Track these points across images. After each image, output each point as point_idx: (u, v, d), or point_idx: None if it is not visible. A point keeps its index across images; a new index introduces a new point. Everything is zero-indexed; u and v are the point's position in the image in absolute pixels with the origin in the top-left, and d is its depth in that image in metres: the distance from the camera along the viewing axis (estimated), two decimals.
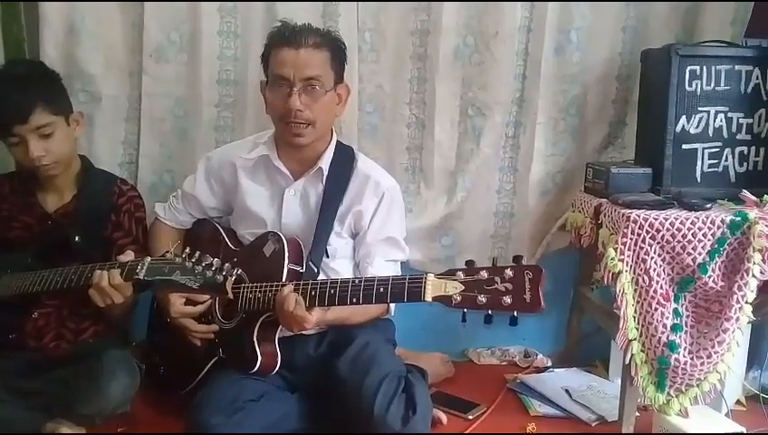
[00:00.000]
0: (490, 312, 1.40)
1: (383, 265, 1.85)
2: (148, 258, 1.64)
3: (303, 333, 1.83)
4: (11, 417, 1.69)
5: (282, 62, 1.73)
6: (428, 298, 1.43)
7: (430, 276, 1.44)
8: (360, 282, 1.54)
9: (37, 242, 1.88)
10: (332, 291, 1.56)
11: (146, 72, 2.22)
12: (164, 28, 2.20)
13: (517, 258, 1.41)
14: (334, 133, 1.91)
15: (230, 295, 1.57)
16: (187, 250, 1.56)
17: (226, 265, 1.53)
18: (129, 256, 1.71)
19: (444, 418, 1.95)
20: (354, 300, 1.54)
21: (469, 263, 1.44)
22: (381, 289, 1.50)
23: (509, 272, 1.38)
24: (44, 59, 2.15)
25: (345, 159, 1.88)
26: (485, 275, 1.39)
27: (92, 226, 1.90)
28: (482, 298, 1.38)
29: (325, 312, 1.64)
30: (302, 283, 1.62)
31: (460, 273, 1.42)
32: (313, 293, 1.59)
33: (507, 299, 1.37)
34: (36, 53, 2.18)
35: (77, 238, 1.85)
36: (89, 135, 2.23)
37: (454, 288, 1.41)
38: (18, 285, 1.82)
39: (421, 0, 2.21)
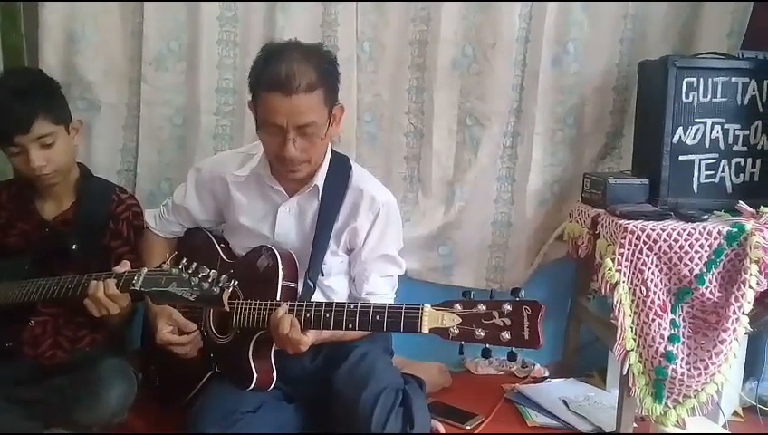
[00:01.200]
0: (488, 346, 1.39)
1: (379, 282, 1.83)
2: (145, 269, 1.63)
3: None
4: (7, 425, 1.68)
5: (273, 109, 1.60)
6: (425, 330, 1.42)
7: (427, 308, 1.43)
8: (356, 307, 1.52)
9: (35, 249, 1.88)
10: (328, 315, 1.54)
11: (145, 80, 2.23)
12: (163, 37, 2.21)
13: (515, 291, 1.40)
14: (329, 145, 1.85)
15: (226, 308, 1.56)
16: (184, 261, 1.56)
17: (223, 277, 1.52)
18: (125, 266, 1.71)
19: (441, 428, 1.94)
20: (350, 326, 1.52)
21: (466, 294, 1.43)
22: (377, 317, 1.49)
23: (507, 306, 1.37)
24: (43, 66, 2.16)
25: (340, 172, 1.83)
26: (483, 308, 1.38)
27: (90, 234, 1.90)
28: (479, 332, 1.38)
29: (320, 332, 1.62)
30: (296, 304, 1.60)
31: (457, 305, 1.41)
32: (308, 315, 1.57)
33: (505, 335, 1.36)
34: (35, 61, 2.18)
35: (74, 246, 1.85)
36: (87, 142, 2.23)
37: (451, 321, 1.40)
38: (15, 293, 1.82)
39: (420, 0, 2.22)
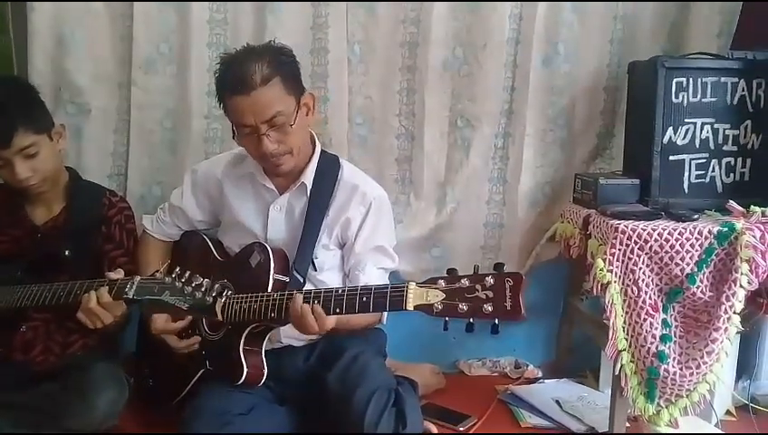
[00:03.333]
0: (471, 320, 1.39)
1: (375, 273, 1.83)
2: (138, 277, 1.63)
3: (292, 344, 1.83)
4: None
5: (239, 111, 1.66)
6: (410, 307, 1.42)
7: (412, 285, 1.43)
8: (344, 292, 1.53)
9: (27, 255, 1.87)
10: (316, 301, 1.54)
11: (135, 83, 2.22)
12: (153, 40, 2.20)
13: (498, 266, 1.40)
14: (317, 144, 1.88)
15: (220, 318, 1.56)
16: (177, 270, 1.56)
17: (216, 286, 1.53)
18: (119, 273, 1.70)
19: (434, 430, 1.94)
20: (337, 310, 1.52)
21: (451, 271, 1.43)
22: (364, 298, 1.49)
23: (490, 279, 1.37)
24: (33, 71, 2.15)
25: (330, 171, 1.86)
26: (466, 283, 1.39)
27: (82, 238, 1.89)
28: (463, 306, 1.37)
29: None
30: (286, 293, 1.60)
31: (441, 281, 1.41)
32: None
33: (488, 307, 1.36)
34: (24, 65, 2.17)
35: (67, 253, 1.83)
36: (78, 146, 2.23)
37: (435, 296, 1.40)
38: (7, 299, 1.81)
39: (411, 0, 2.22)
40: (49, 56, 2.17)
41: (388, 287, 1.48)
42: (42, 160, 1.80)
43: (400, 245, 2.08)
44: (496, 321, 1.37)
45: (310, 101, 1.77)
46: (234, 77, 1.65)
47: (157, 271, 1.60)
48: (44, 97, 2.13)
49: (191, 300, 1.52)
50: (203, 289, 1.52)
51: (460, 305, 1.37)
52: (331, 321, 1.54)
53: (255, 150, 1.71)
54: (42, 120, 1.83)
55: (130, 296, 1.61)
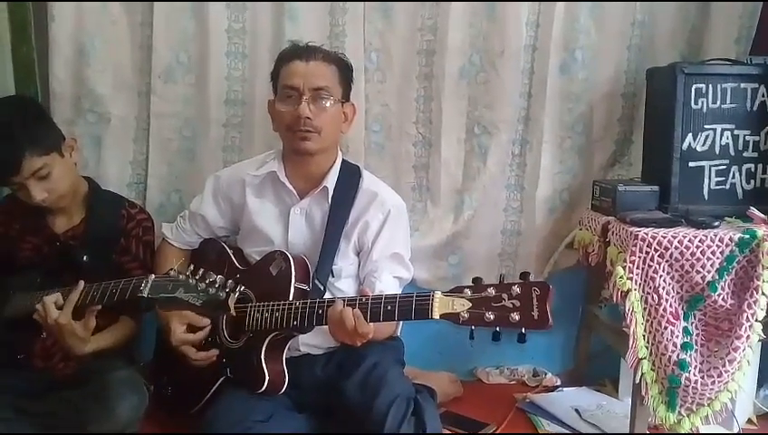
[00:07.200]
0: (498, 329, 1.39)
1: (391, 281, 1.84)
2: (152, 276, 1.64)
3: (311, 353, 1.84)
4: None
5: (292, 73, 1.79)
6: (436, 316, 1.42)
7: (437, 294, 1.43)
8: (368, 300, 1.53)
9: (47, 263, 1.88)
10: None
11: (154, 92, 2.23)
12: (172, 49, 2.22)
13: (524, 275, 1.40)
14: (339, 152, 1.92)
15: (233, 312, 1.57)
16: (191, 267, 1.57)
17: (230, 281, 1.53)
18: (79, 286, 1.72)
19: None
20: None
21: (476, 280, 1.43)
22: (389, 307, 1.49)
23: (516, 289, 1.37)
24: (54, 80, 2.18)
25: (351, 178, 1.88)
26: (493, 292, 1.39)
27: (101, 248, 1.90)
28: (489, 315, 1.38)
29: None
30: (308, 302, 1.61)
31: (467, 290, 1.41)
32: (320, 311, 1.58)
33: (515, 316, 1.36)
34: (46, 75, 2.20)
35: (85, 258, 1.84)
36: (97, 155, 2.25)
37: (461, 305, 1.40)
38: (28, 306, 1.81)
39: (426, 0, 2.22)
40: (70, 66, 2.20)
41: (413, 296, 1.47)
42: (56, 179, 1.80)
43: (417, 252, 2.07)
44: (523, 330, 1.36)
45: (350, 111, 1.88)
46: (297, 47, 1.85)
47: (171, 269, 1.61)
48: (65, 106, 2.17)
49: (204, 296, 1.53)
50: (216, 285, 1.53)
51: (487, 314, 1.38)
52: (370, 327, 1.53)
53: (290, 114, 1.77)
54: (50, 138, 1.82)
55: (145, 294, 1.62)
